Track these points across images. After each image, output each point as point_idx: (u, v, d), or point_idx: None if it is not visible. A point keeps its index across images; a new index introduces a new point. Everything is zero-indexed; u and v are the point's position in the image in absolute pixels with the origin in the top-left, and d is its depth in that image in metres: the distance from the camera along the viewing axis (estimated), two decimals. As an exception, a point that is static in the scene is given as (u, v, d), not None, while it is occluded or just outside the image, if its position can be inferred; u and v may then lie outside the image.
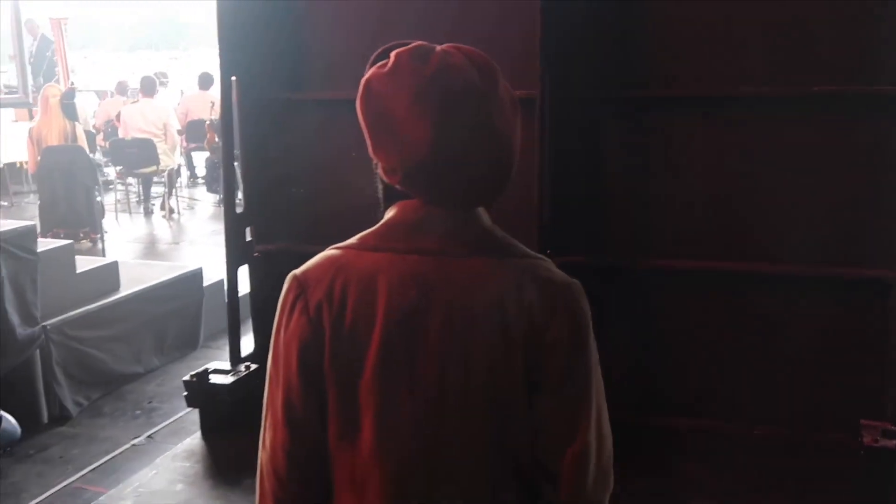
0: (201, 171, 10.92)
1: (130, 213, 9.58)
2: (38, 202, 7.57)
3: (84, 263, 4.59)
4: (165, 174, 9.18)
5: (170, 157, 9.21)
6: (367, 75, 1.30)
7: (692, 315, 3.35)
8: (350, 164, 3.57)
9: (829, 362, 3.21)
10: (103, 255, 7.26)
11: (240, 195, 4.07)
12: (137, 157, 8.96)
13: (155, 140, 8.94)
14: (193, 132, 10.27)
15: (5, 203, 9.81)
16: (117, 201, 9.68)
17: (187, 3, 24.25)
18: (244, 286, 3.80)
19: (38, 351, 4.09)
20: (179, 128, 9.83)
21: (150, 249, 8.16)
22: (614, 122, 3.36)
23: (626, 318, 3.39)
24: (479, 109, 1.23)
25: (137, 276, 4.89)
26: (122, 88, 11.19)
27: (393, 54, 1.27)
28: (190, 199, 10.43)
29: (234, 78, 3.61)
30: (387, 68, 1.26)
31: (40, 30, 12.17)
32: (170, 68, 16.08)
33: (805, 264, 3.17)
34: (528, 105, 3.17)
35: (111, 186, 10.13)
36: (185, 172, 11.02)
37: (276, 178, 3.79)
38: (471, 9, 3.35)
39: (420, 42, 1.31)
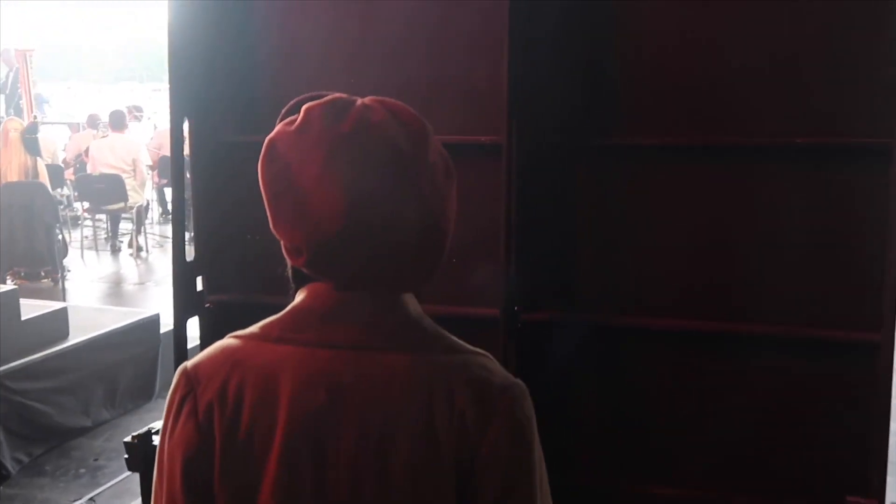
0: (173, 207, 10.68)
1: (97, 250, 9.33)
2: (-4, 240, 7.32)
3: (30, 310, 4.35)
4: (134, 211, 8.95)
5: (139, 194, 8.99)
6: (272, 133, 1.10)
7: (668, 377, 3.14)
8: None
9: (812, 429, 3.01)
10: (63, 296, 7.03)
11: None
12: (105, 192, 8.74)
13: (123, 176, 8.72)
14: (166, 168, 10.04)
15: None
16: (84, 238, 9.44)
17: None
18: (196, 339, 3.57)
19: (-26, 405, 3.85)
20: (150, 163, 9.62)
21: (115, 290, 7.91)
22: (587, 170, 3.17)
23: (596, 378, 3.18)
24: (403, 176, 1.04)
25: (89, 323, 4.65)
26: (93, 122, 10.97)
27: (303, 109, 1.07)
28: (161, 236, 10.19)
29: (186, 120, 3.41)
30: (295, 126, 1.06)
31: (16, 62, 11.98)
32: (151, 101, 15.89)
33: (787, 325, 2.97)
34: (495, 152, 3.00)
35: (79, 222, 9.88)
36: (157, 208, 10.79)
37: (231, 224, 3.56)
38: (435, 52, 3.17)
39: (338, 94, 1.10)
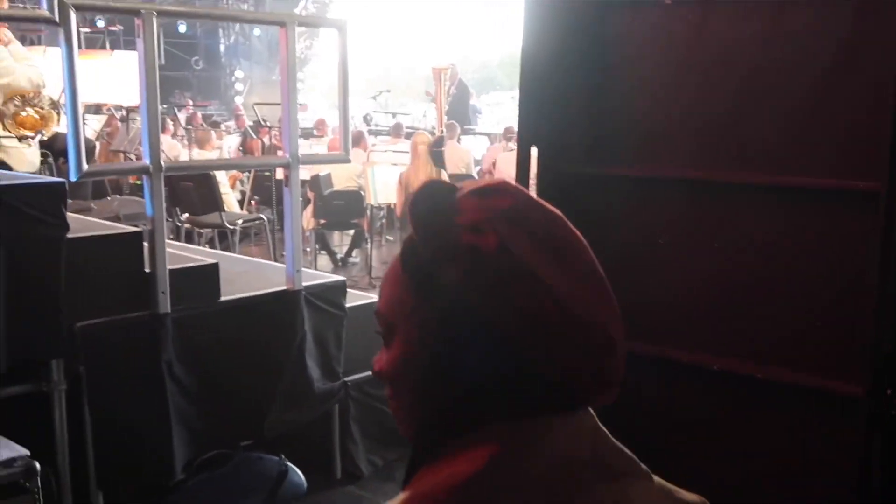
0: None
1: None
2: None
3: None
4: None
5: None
6: None
7: None
8: (658, 250, 3.12)
9: None
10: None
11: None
12: (505, 203, 9.05)
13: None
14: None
15: (391, 238, 10.52)
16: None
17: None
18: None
19: (336, 407, 4.11)
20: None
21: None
22: None
23: None
24: None
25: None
26: (507, 134, 11.44)
27: None
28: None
29: (534, 149, 3.30)
30: None
31: (459, 76, 12.96)
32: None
33: None
34: (873, 199, 2.48)
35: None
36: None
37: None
38: (811, 85, 2.70)
39: None
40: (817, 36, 2.63)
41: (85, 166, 3.06)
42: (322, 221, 8.50)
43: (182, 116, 16.16)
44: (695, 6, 3.03)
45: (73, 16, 2.97)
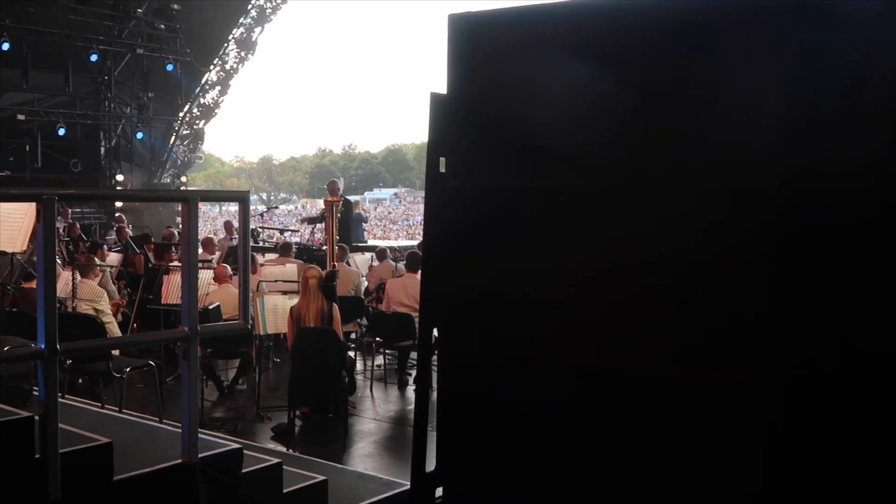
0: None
1: (386, 382, 9.74)
2: (289, 378, 7.83)
3: (293, 480, 4.50)
4: (422, 348, 9.25)
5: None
6: None
7: None
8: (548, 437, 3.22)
9: None
10: (345, 432, 7.45)
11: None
12: (396, 330, 9.13)
13: (414, 315, 9.06)
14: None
15: (278, 360, 10.39)
16: (376, 367, 9.94)
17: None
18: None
19: (231, 580, 4.01)
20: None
21: (395, 433, 8.09)
22: None
23: None
24: None
25: (347, 494, 4.75)
26: (381, 255, 11.66)
27: None
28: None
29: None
30: None
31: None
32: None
33: None
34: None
35: (372, 351, 10.40)
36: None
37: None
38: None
39: None
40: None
41: (-23, 356, 2.98)
42: (209, 350, 8.36)
43: (60, 226, 15.71)
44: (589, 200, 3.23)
45: (-28, 207, 2.94)
